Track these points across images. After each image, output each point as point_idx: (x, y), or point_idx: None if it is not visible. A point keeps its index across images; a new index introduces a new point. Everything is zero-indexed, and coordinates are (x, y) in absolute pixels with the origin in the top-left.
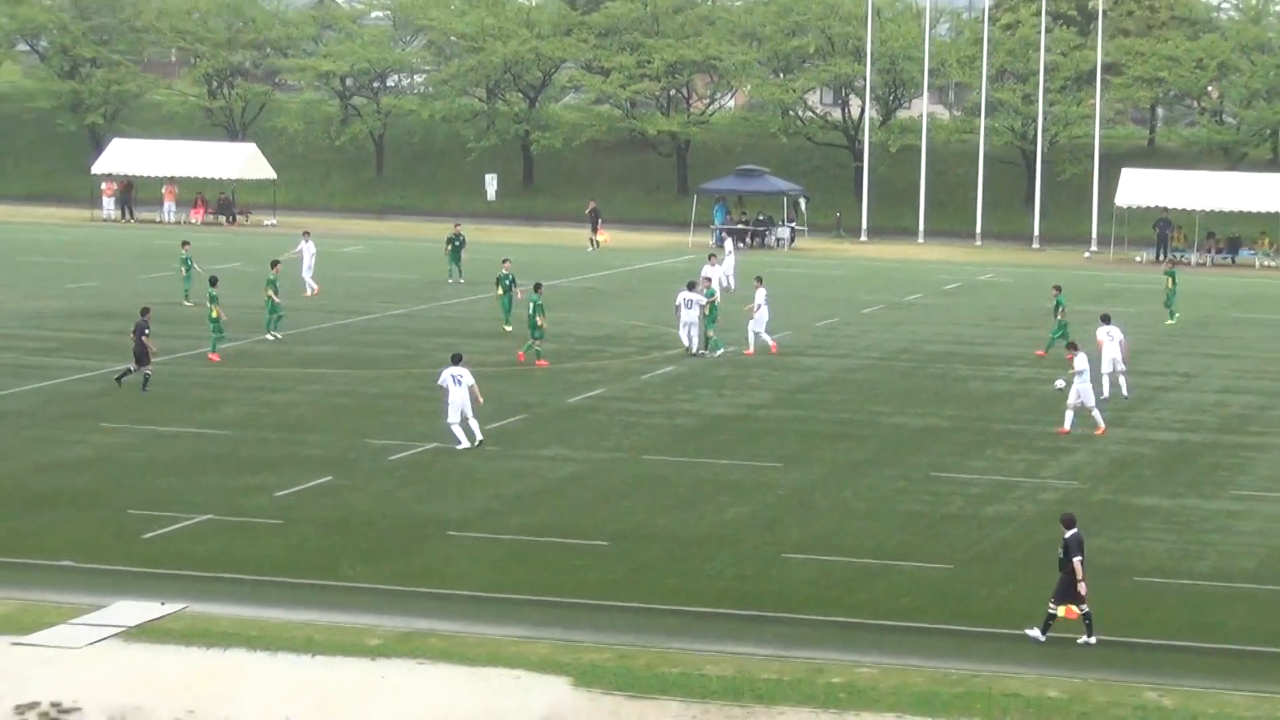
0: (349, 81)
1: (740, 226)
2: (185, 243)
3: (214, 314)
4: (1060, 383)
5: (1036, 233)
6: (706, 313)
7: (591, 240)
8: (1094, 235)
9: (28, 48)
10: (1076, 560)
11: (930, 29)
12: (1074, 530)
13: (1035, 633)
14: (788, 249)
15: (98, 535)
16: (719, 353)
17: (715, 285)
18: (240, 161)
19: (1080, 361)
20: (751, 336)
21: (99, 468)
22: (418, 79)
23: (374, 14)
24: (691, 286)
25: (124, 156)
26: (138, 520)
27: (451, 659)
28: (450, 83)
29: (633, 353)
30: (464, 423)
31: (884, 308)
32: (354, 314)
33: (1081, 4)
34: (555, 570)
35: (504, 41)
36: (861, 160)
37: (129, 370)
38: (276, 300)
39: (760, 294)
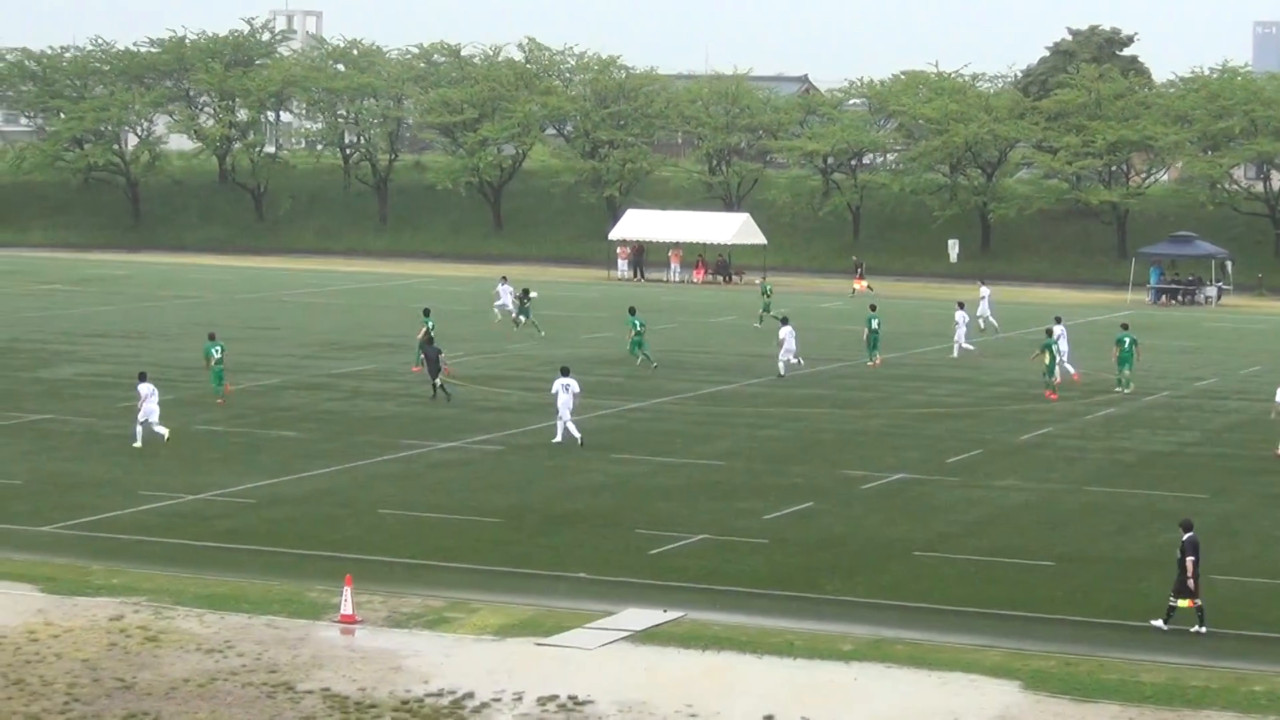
0: (830, 159)
1: (1173, 285)
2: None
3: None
4: None
5: None
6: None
7: (853, 289)
8: None
9: (555, 131)
10: (1189, 559)
11: None
12: (1190, 534)
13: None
14: (1215, 305)
15: (609, 551)
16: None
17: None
18: (735, 229)
19: None
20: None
21: (611, 493)
22: (890, 157)
23: (852, 101)
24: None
25: (636, 224)
26: (644, 538)
27: (915, 663)
28: (918, 160)
29: (1076, 396)
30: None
31: None
32: (833, 360)
33: None
34: (1006, 587)
35: (965, 124)
36: None
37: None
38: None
39: (1057, 330)
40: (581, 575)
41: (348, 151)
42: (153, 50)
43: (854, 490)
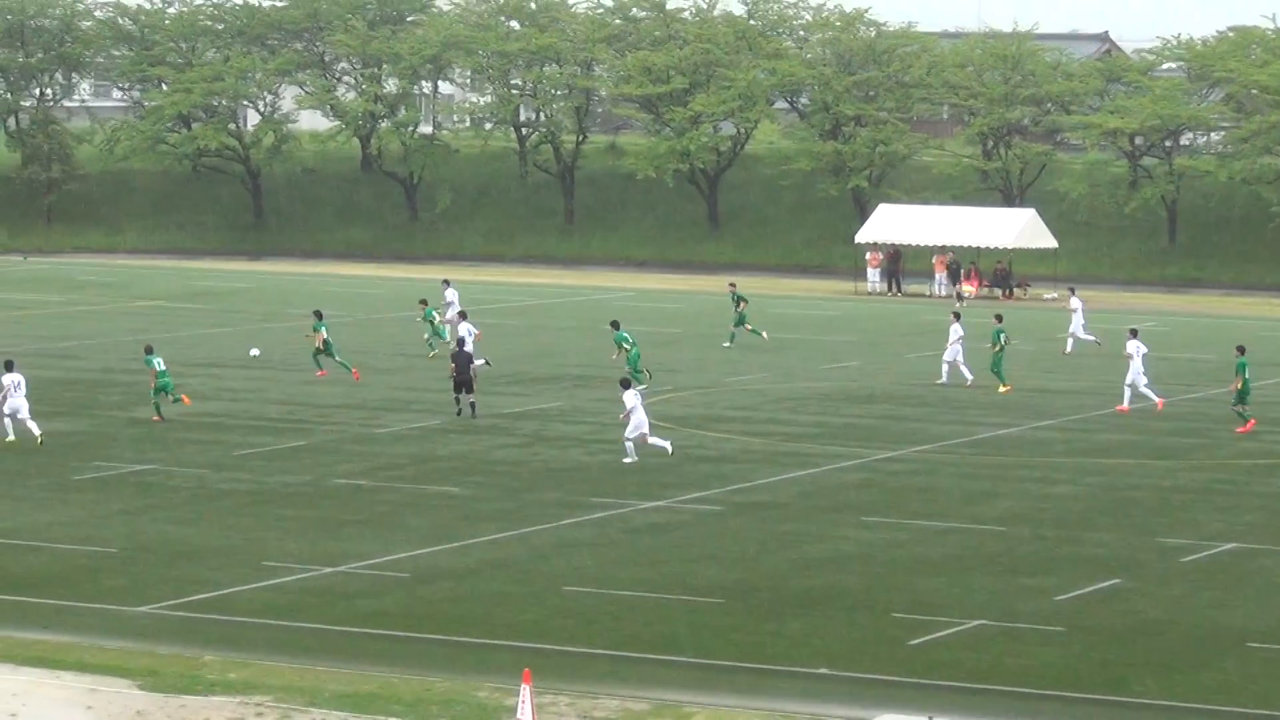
0: (1138, 140)
1: None
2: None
3: None
4: None
5: None
6: None
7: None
8: None
9: (787, 105)
10: None
11: None
12: None
13: None
14: None
15: (859, 640)
16: None
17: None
18: (1018, 228)
19: None
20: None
21: (861, 565)
22: (1214, 136)
23: (1165, 65)
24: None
25: (890, 223)
26: (902, 624)
27: None
28: (1251, 141)
29: None
30: (642, 440)
31: None
32: (1142, 398)
33: None
34: None
35: None
36: None
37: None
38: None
39: (1132, 345)
40: (823, 671)
41: (524, 131)
42: (278, 5)
43: (1172, 564)
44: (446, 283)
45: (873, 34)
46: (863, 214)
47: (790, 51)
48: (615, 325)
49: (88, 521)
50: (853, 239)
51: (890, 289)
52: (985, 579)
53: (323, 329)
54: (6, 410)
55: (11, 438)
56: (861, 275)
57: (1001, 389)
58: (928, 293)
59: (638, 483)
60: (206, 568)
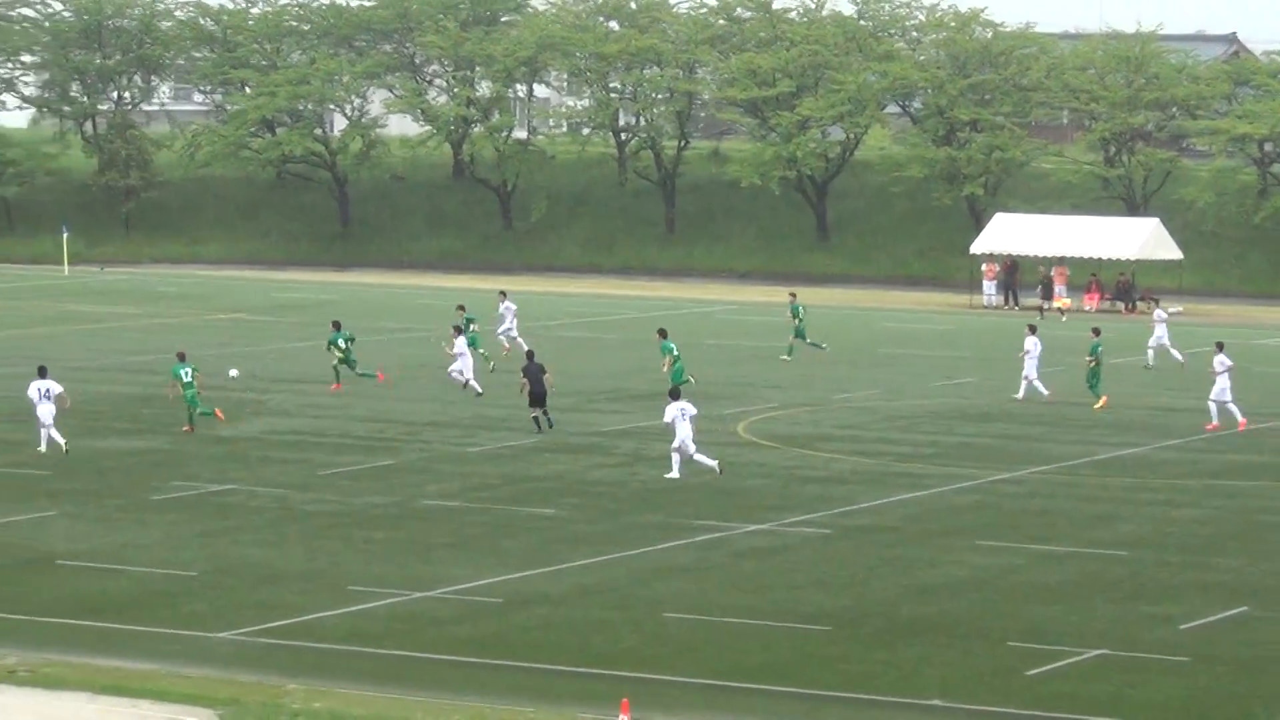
0: (1268, 147)
1: None
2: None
3: None
4: None
5: None
6: None
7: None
8: None
9: (898, 110)
10: None
11: None
12: None
13: None
14: None
15: (973, 670)
16: None
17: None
18: (1141, 239)
19: None
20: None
21: (975, 592)
22: None
23: None
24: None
25: (1007, 233)
26: (1019, 654)
27: None
28: None
29: None
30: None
31: None
32: (1276, 417)
33: None
34: None
35: None
36: None
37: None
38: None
39: (1218, 360)
40: (936, 702)
41: (623, 137)
42: (366, 5)
43: None
44: (503, 294)
45: (989, 35)
46: (978, 223)
47: (902, 53)
48: (662, 334)
49: (166, 543)
50: (967, 250)
51: (1007, 302)
52: (1106, 606)
53: (341, 340)
54: (41, 419)
55: (43, 448)
56: (977, 288)
57: (1096, 405)
58: (1045, 305)
59: (741, 505)
60: (290, 592)
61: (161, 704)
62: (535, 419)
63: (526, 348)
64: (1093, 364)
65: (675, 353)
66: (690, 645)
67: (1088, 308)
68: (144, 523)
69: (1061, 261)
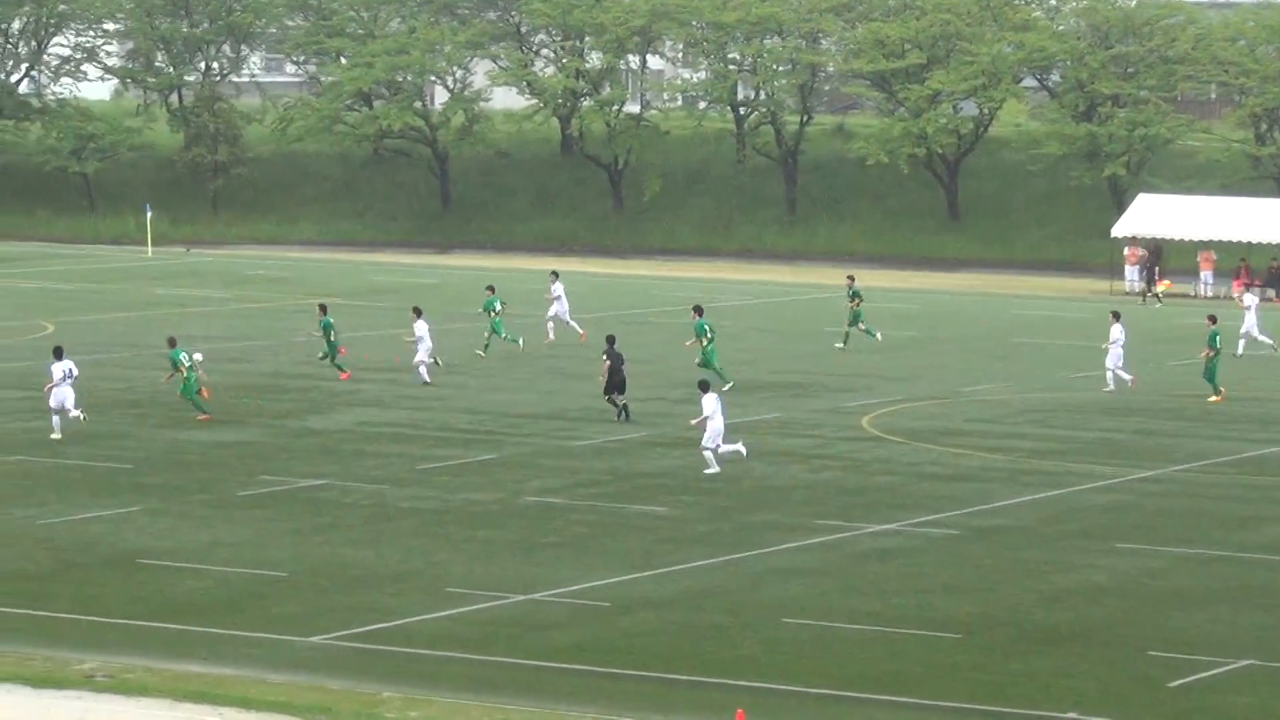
0: None
1: None
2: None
3: None
4: None
5: None
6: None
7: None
8: None
9: (1035, 83)
10: None
11: None
12: None
13: None
14: None
15: (1112, 681)
16: None
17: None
18: None
19: None
20: None
21: (1114, 598)
22: None
23: None
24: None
25: (1151, 215)
26: (1161, 664)
27: None
28: None
29: None
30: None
31: None
32: None
33: None
34: None
35: None
36: None
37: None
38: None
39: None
40: (1073, 715)
41: (741, 111)
42: None
43: None
44: (555, 274)
45: (1132, 3)
46: (1120, 205)
47: (1040, 23)
48: (698, 311)
49: (254, 542)
50: (1108, 232)
51: (1150, 288)
52: (1253, 614)
53: (328, 326)
54: (53, 405)
55: (57, 435)
56: (1118, 273)
57: (1212, 398)
58: (1191, 293)
59: (864, 504)
60: (384, 594)
61: (247, 712)
62: (612, 401)
63: (608, 333)
64: (1211, 355)
65: (710, 334)
66: (809, 653)
67: (1235, 295)
68: (231, 520)
69: (1208, 246)
